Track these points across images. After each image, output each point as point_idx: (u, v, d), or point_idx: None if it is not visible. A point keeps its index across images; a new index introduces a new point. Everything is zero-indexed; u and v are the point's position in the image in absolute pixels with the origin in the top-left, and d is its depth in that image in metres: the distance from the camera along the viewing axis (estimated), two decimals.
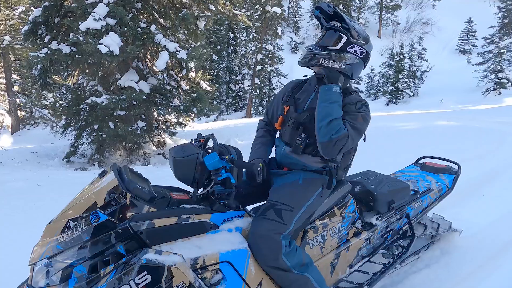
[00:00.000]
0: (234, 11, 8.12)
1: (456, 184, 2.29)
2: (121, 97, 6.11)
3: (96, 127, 6.58)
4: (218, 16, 8.49)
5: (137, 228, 1.13)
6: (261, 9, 17.45)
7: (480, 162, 4.69)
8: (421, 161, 2.58)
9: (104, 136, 6.41)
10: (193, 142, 1.45)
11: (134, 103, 6.29)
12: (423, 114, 10.48)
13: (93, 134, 6.83)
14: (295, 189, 1.52)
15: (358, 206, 1.85)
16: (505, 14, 19.98)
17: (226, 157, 1.26)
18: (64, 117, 7.45)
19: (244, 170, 1.33)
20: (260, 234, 1.36)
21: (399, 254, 1.87)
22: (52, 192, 4.07)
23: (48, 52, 6.00)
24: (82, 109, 6.88)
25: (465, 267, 2.15)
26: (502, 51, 16.52)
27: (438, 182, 2.24)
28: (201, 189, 1.37)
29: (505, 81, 16.14)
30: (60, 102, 7.92)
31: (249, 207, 1.68)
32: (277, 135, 1.76)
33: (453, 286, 1.97)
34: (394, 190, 1.90)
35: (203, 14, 7.13)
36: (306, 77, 1.72)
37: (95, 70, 6.92)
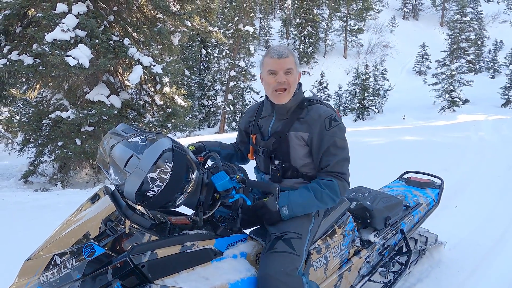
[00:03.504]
0: (209, 28, 8.15)
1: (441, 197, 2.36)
2: (90, 112, 5.75)
3: (60, 143, 6.09)
4: (191, 33, 8.46)
5: (138, 261, 0.97)
6: (234, 27, 17.78)
7: (447, 175, 4.99)
8: (405, 176, 2.64)
9: (69, 153, 5.93)
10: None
11: (104, 118, 5.94)
12: (389, 130, 11.06)
13: (56, 151, 6.30)
14: None
15: (355, 224, 1.82)
16: (454, 40, 22.22)
17: (237, 176, 1.16)
18: (22, 133, 6.83)
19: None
20: (276, 272, 1.18)
21: (399, 272, 1.85)
22: (9, 217, 3.62)
23: (7, 63, 5.54)
24: (45, 124, 6.36)
25: (455, 279, 2.20)
26: (453, 73, 18.19)
27: (425, 197, 2.30)
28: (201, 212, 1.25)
29: (457, 99, 17.70)
30: (17, 116, 7.26)
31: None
32: (255, 164, 1.68)
33: None
34: (389, 206, 1.90)
35: (179, 30, 7.05)
36: (262, 99, 1.62)
37: (60, 83, 6.49)
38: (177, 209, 1.31)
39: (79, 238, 0.97)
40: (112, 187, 1.17)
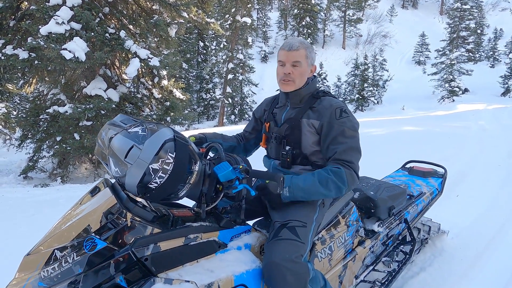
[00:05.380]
0: (206, 19, 8.02)
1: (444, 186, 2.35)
2: (88, 106, 5.69)
3: (58, 138, 6.05)
4: (189, 24, 8.33)
5: (141, 254, 0.95)
6: (231, 18, 17.54)
7: (447, 164, 4.99)
8: (408, 166, 2.62)
9: (68, 148, 5.90)
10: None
11: (103, 112, 5.89)
12: (389, 120, 11.03)
13: (55, 147, 6.26)
14: (298, 204, 1.41)
15: (359, 214, 1.81)
16: (453, 30, 22.02)
17: (240, 166, 1.12)
18: (20, 128, 6.79)
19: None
20: (281, 260, 1.17)
21: (403, 261, 1.84)
22: (10, 213, 3.60)
23: (2, 57, 5.46)
24: (42, 119, 6.31)
25: (458, 268, 2.20)
26: (453, 62, 18.08)
27: (429, 186, 2.28)
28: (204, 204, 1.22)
29: (457, 89, 17.64)
30: (14, 112, 7.20)
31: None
32: (265, 153, 1.69)
33: (452, 286, 1.99)
34: (393, 196, 1.88)
35: (175, 21, 6.94)
36: (277, 91, 1.65)
37: (56, 77, 6.41)
38: (179, 201, 1.29)
39: (79, 232, 0.94)
40: (113, 180, 1.14)
